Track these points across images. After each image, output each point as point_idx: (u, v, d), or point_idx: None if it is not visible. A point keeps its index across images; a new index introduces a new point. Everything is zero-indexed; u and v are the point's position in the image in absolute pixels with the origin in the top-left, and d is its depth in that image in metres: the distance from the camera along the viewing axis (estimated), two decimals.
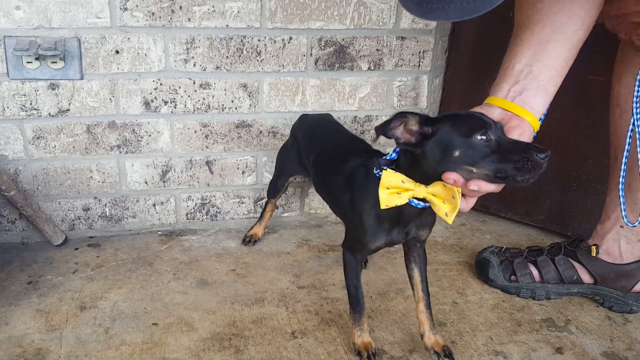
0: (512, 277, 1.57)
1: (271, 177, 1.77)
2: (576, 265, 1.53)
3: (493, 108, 1.09)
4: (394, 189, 1.06)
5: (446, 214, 1.02)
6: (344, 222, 1.35)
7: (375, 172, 1.13)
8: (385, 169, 1.07)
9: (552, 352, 1.36)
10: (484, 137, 0.98)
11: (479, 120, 1.01)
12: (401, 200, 1.06)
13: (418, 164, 1.05)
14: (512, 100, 1.08)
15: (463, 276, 1.67)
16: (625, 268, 1.49)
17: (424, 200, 1.07)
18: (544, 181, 1.86)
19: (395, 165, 1.10)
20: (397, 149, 1.11)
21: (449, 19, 0.85)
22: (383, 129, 1.02)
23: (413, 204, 1.08)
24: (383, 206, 1.07)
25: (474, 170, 0.99)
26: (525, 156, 0.96)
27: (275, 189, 1.72)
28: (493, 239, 1.90)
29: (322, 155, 1.46)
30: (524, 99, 1.07)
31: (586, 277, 1.53)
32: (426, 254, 1.32)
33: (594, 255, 1.51)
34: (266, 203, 1.79)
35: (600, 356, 1.35)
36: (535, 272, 1.56)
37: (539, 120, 1.10)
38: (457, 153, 0.99)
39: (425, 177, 1.05)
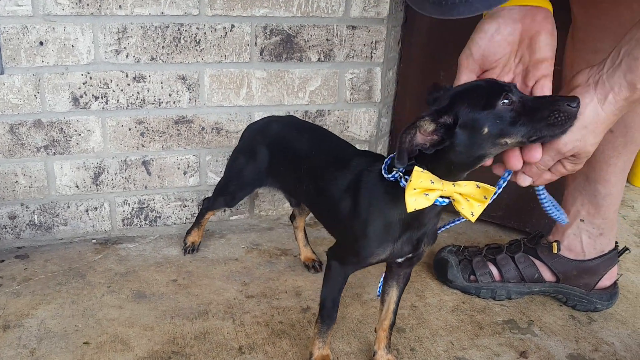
0: (472, 277, 1.53)
1: (219, 181, 1.61)
2: (537, 263, 1.50)
3: (510, 10, 0.98)
4: (421, 190, 0.96)
5: (472, 214, 0.98)
6: (337, 232, 1.22)
7: (387, 175, 1.03)
8: (412, 168, 0.96)
9: (516, 356, 1.31)
10: (506, 102, 0.91)
11: (494, 86, 0.93)
12: (428, 201, 0.97)
13: (445, 157, 0.96)
14: None
15: (422, 277, 1.61)
16: (588, 264, 1.46)
17: (446, 197, 0.99)
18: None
19: (415, 162, 0.98)
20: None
21: (474, 12, 0.79)
22: (403, 153, 0.92)
23: (437, 203, 0.99)
24: (411, 210, 0.96)
25: (508, 141, 0.92)
26: (555, 109, 0.90)
27: (232, 199, 1.55)
28: (451, 237, 1.85)
29: (316, 163, 1.28)
30: None
31: (548, 275, 1.49)
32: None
33: (555, 252, 1.47)
34: (207, 210, 1.64)
35: (566, 359, 1.31)
36: (495, 271, 1.52)
37: None
38: (485, 130, 0.91)
39: (455, 169, 0.97)
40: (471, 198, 0.97)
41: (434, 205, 0.99)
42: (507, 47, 1.00)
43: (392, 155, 1.03)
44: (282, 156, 1.39)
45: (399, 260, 1.13)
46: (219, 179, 1.66)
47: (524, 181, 1.01)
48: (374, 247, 1.09)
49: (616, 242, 1.48)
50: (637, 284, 1.63)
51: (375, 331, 1.26)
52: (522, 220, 1.86)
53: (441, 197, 0.98)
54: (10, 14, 1.45)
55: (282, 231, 1.84)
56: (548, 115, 0.90)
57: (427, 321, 1.42)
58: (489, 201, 0.97)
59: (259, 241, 1.77)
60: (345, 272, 1.17)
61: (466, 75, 1.02)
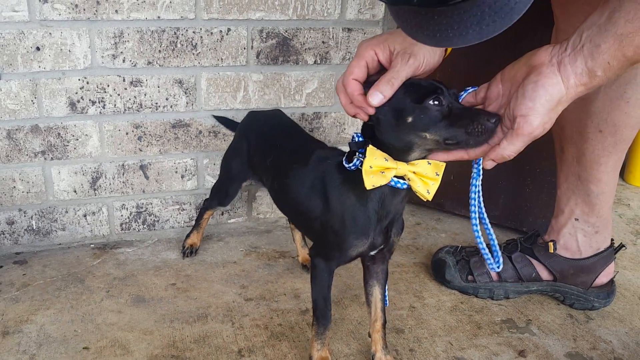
0: (469, 277, 1.53)
1: (215, 182, 1.65)
2: (534, 262, 1.50)
3: None
4: (377, 168, 1.04)
5: (427, 192, 1.04)
6: (312, 232, 1.23)
7: (348, 165, 1.09)
8: (365, 149, 1.05)
9: (514, 355, 1.31)
10: (436, 102, 0.98)
11: (432, 86, 1.00)
12: (385, 179, 1.04)
13: (382, 139, 1.04)
14: None
15: (420, 278, 1.61)
16: (584, 263, 1.46)
17: (402, 178, 1.06)
18: (497, 177, 1.83)
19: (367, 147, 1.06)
20: (359, 134, 1.09)
21: (467, 43, 0.81)
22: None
23: (393, 183, 1.06)
24: (369, 186, 1.05)
25: (427, 136, 0.99)
26: (475, 121, 0.96)
27: (225, 195, 1.59)
28: (448, 238, 1.85)
29: (280, 158, 1.33)
30: None
31: (545, 274, 1.50)
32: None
33: (552, 251, 1.48)
34: (205, 210, 1.67)
35: (565, 357, 1.31)
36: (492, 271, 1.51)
37: None
38: (410, 119, 0.99)
39: (395, 152, 1.04)
40: (425, 177, 1.04)
41: (393, 188, 1.06)
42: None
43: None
44: (257, 148, 1.44)
45: (372, 253, 1.17)
46: (217, 178, 1.67)
47: (489, 165, 1.02)
48: (353, 238, 1.12)
49: (612, 240, 1.49)
50: (634, 282, 1.64)
51: (370, 335, 1.27)
52: (519, 220, 1.86)
53: (397, 177, 1.05)
54: (6, 20, 1.45)
55: (280, 233, 1.84)
56: (467, 124, 0.96)
57: (426, 322, 1.42)
58: (440, 177, 1.03)
59: (257, 244, 1.77)
60: (330, 267, 1.18)
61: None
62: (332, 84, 1.79)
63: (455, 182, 1.85)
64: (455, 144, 0.99)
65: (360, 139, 1.07)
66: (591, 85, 0.92)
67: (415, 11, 0.82)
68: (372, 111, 1.01)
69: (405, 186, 1.06)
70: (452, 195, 1.93)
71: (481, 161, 1.04)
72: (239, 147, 1.52)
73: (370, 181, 1.04)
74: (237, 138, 1.56)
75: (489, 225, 1.14)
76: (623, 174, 2.44)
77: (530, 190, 1.81)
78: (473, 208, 1.10)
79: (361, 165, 1.05)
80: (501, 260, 1.15)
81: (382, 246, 1.16)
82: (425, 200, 1.06)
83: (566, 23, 1.29)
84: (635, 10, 0.84)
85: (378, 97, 0.99)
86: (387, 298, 1.27)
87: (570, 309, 1.49)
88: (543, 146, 1.71)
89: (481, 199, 1.10)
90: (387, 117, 1.01)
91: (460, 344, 1.34)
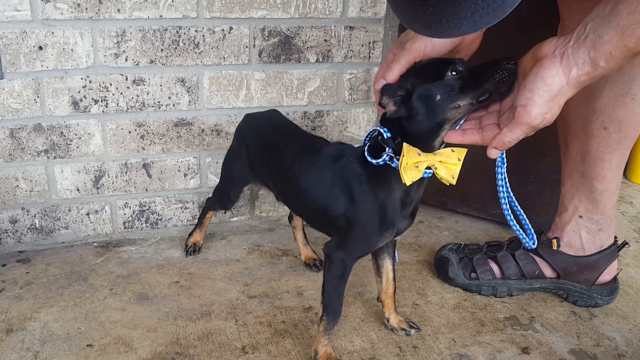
0: (473, 275, 1.53)
1: (217, 183, 1.64)
2: (537, 259, 1.50)
3: None
4: (412, 163, 1.07)
5: (452, 177, 1.08)
6: (335, 229, 1.23)
7: (375, 161, 1.11)
8: (400, 146, 1.08)
9: (518, 352, 1.31)
10: (454, 73, 1.02)
11: (442, 61, 1.04)
12: (420, 173, 1.08)
13: (413, 129, 1.07)
14: None
15: (423, 276, 1.61)
16: (588, 260, 1.46)
17: (429, 168, 1.09)
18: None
19: (397, 142, 1.10)
20: (385, 129, 1.11)
21: (461, 34, 0.85)
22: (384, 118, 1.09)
23: (424, 175, 1.10)
24: (409, 182, 1.08)
25: (460, 104, 1.03)
26: (497, 68, 1.00)
27: (227, 200, 1.58)
28: (451, 236, 1.85)
29: (287, 161, 1.31)
30: None
31: (548, 272, 1.49)
32: None
33: (555, 248, 1.47)
34: (207, 210, 1.67)
35: (568, 354, 1.31)
36: (495, 268, 1.52)
37: None
38: (438, 97, 1.03)
39: (425, 139, 1.07)
40: (448, 164, 1.08)
41: (421, 177, 1.09)
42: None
43: (366, 144, 1.15)
44: (258, 152, 1.43)
45: (397, 237, 1.24)
46: (219, 180, 1.66)
47: (494, 153, 1.06)
48: (382, 230, 1.16)
49: (615, 237, 1.48)
50: (638, 279, 1.63)
51: (378, 300, 1.37)
52: None
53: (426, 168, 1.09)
54: (9, 19, 1.45)
55: (283, 232, 1.84)
56: (492, 76, 1.00)
57: (429, 319, 1.42)
58: (461, 162, 1.08)
59: (260, 242, 1.78)
60: (352, 262, 1.21)
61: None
62: (334, 82, 1.78)
63: (457, 180, 1.84)
64: (488, 98, 1.02)
65: (388, 134, 1.09)
66: (594, 75, 0.93)
67: (411, 2, 0.85)
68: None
69: (430, 174, 1.10)
70: (454, 193, 1.93)
71: (504, 154, 1.08)
72: (238, 151, 1.50)
73: (409, 177, 1.07)
74: (235, 142, 1.54)
75: (518, 207, 1.17)
76: (626, 172, 2.44)
77: (533, 188, 1.81)
78: (502, 195, 1.14)
79: (390, 160, 1.09)
80: (535, 237, 1.20)
81: (406, 228, 1.22)
82: (448, 184, 1.10)
83: (571, 19, 1.29)
84: (637, 2, 0.85)
85: (380, 82, 1.05)
86: (395, 255, 1.35)
87: (573, 306, 1.49)
88: (545, 143, 1.72)
89: (508, 184, 1.14)
90: (417, 106, 1.04)
91: (464, 340, 1.34)
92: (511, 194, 1.15)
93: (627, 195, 2.25)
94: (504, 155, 1.09)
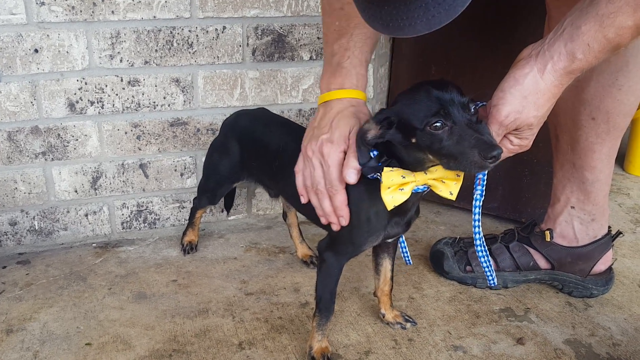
0: (468, 268, 1.54)
1: (200, 180, 1.63)
2: (531, 251, 1.50)
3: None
4: (395, 186, 1.04)
5: (450, 193, 1.04)
6: (327, 228, 1.22)
7: (368, 176, 1.09)
8: (381, 171, 1.05)
9: (513, 343, 1.31)
10: (436, 126, 0.97)
11: (435, 107, 0.97)
12: (405, 195, 1.05)
13: (398, 154, 1.05)
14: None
15: (419, 270, 1.62)
16: (582, 250, 1.46)
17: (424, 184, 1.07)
18: (495, 168, 1.81)
19: (383, 160, 1.07)
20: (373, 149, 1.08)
21: (417, 33, 0.85)
22: (361, 149, 1.05)
23: (415, 191, 1.07)
24: (390, 207, 1.06)
25: (430, 157, 1.01)
26: (474, 149, 0.94)
27: (214, 196, 1.58)
28: (448, 230, 1.86)
29: (290, 162, 1.28)
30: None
31: (543, 263, 1.50)
32: None
33: (548, 240, 1.48)
34: (196, 209, 1.66)
35: (563, 344, 1.31)
36: (490, 260, 1.51)
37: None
38: (413, 140, 1.00)
39: (412, 164, 1.04)
40: (446, 179, 1.04)
41: (413, 193, 1.07)
42: None
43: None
44: (253, 150, 1.42)
45: (389, 240, 1.24)
46: (202, 177, 1.65)
47: None
48: (367, 235, 1.15)
49: (609, 227, 1.49)
50: (633, 269, 1.64)
51: (375, 295, 1.38)
52: (517, 211, 1.86)
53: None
54: (4, 23, 1.47)
55: (280, 229, 1.85)
56: (467, 153, 0.94)
57: (425, 312, 1.43)
58: (462, 177, 1.03)
59: (257, 240, 1.79)
60: (340, 262, 1.20)
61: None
62: None
63: None
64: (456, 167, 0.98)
65: (375, 153, 1.06)
66: (571, 69, 0.93)
67: (369, 1, 0.86)
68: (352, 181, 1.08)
69: (426, 189, 1.07)
70: None
71: (484, 181, 1.07)
72: (228, 147, 1.48)
73: (391, 202, 1.05)
74: (222, 138, 1.52)
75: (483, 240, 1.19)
76: (622, 163, 2.45)
77: (528, 181, 1.82)
78: (476, 223, 1.14)
79: (380, 177, 1.06)
80: (494, 275, 1.24)
81: (398, 234, 1.21)
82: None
83: (557, 11, 1.30)
84: None
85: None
86: (409, 258, 1.39)
87: (568, 296, 1.50)
88: (539, 137, 1.70)
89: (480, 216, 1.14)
90: (394, 137, 1.03)
91: (459, 332, 1.35)
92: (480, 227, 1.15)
93: (624, 187, 2.25)
94: (484, 189, 1.08)
